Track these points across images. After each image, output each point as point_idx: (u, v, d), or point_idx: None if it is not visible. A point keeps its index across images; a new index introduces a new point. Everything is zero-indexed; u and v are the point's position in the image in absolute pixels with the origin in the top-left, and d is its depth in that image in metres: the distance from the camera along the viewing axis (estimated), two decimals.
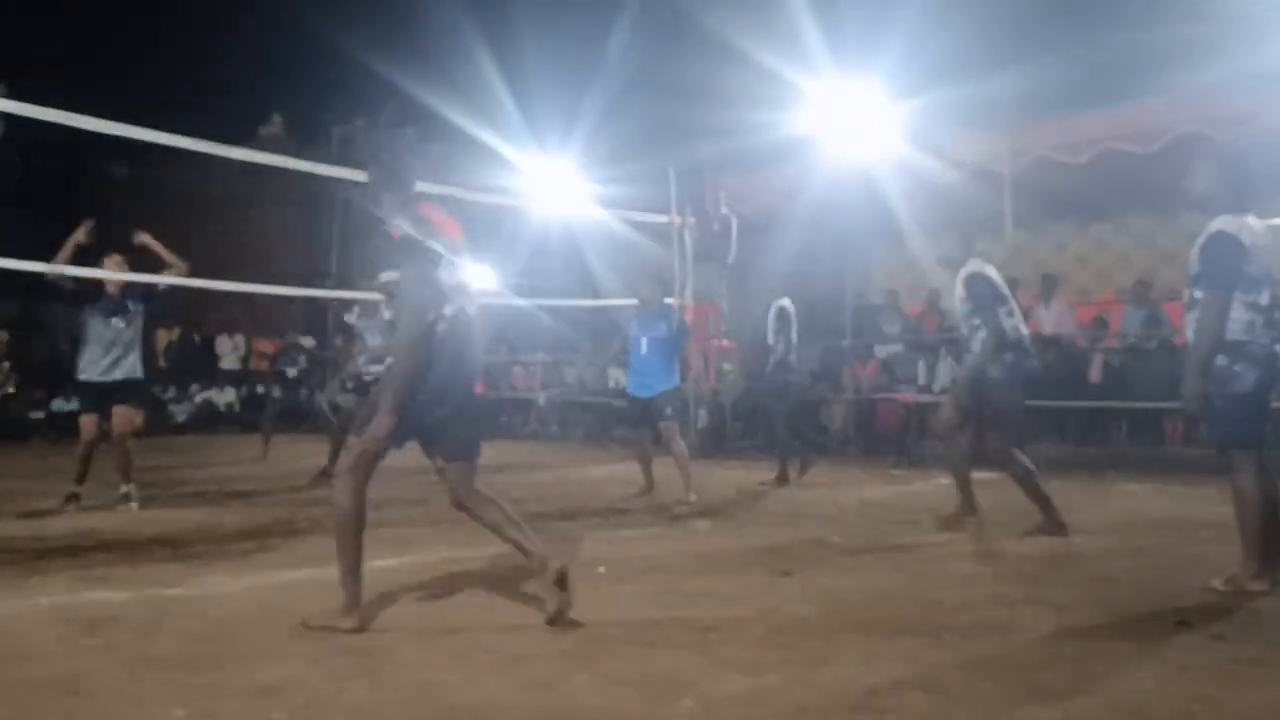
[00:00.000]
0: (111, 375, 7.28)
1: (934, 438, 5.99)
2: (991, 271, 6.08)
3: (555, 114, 12.60)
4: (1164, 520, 6.30)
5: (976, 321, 5.86)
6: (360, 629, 3.82)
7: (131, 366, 7.36)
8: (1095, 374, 10.30)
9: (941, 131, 10.52)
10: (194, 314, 18.04)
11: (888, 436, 11.21)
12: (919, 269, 12.58)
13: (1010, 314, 5.94)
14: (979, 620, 3.90)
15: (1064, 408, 10.17)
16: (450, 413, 3.94)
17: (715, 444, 11.40)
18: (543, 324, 14.12)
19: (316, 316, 16.58)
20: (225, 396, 17.02)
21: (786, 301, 8.76)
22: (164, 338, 17.80)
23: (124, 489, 7.28)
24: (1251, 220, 4.30)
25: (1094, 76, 9.83)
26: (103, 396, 7.29)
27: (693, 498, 7.27)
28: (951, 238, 6.35)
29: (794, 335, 8.80)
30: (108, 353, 7.26)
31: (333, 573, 3.97)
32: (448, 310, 3.87)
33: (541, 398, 14.32)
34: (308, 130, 20.03)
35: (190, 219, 20.06)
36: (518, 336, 15.82)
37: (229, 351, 16.90)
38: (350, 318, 9.82)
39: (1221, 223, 4.29)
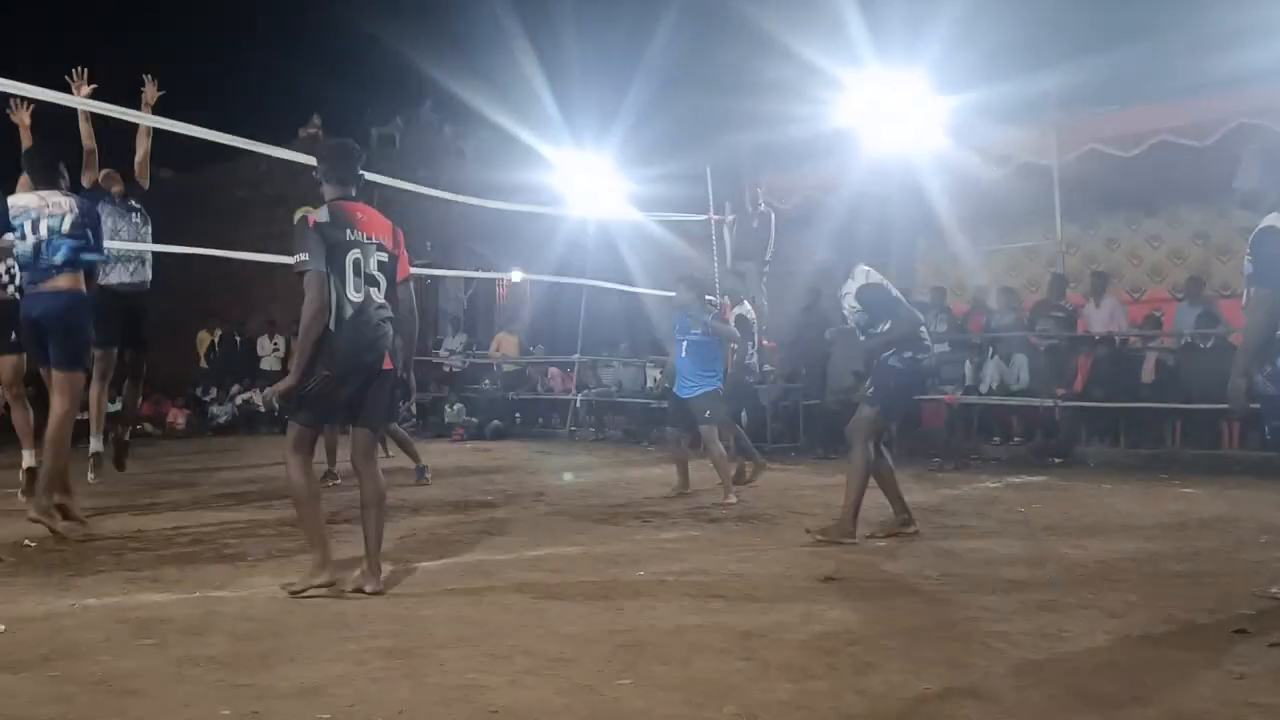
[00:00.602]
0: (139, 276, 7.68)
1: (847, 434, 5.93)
2: (879, 277, 6.13)
3: (592, 111, 12.59)
4: (1220, 524, 6.15)
5: (876, 330, 5.93)
6: (331, 583, 4.36)
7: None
8: (1148, 373, 10.10)
9: (987, 125, 10.36)
10: (235, 315, 18.28)
11: (931, 437, 11.07)
12: (963, 266, 12.46)
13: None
14: (1030, 627, 3.82)
15: (1116, 408, 9.99)
16: (358, 389, 4.41)
17: (756, 445, 11.30)
18: (579, 323, 14.09)
19: None
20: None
21: (748, 308, 8.83)
22: (205, 339, 18.01)
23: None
24: None
25: (1146, 67, 9.61)
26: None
27: (731, 500, 7.23)
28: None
29: (755, 340, 8.89)
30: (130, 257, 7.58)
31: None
32: (355, 297, 4.28)
33: (578, 398, 14.28)
34: (347, 131, 20.19)
35: (232, 221, 20.33)
36: (554, 337, 15.84)
37: (269, 352, 17.03)
38: None
39: (1273, 219, 4.18)
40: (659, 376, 12.08)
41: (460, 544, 5.81)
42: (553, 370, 15.44)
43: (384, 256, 4.46)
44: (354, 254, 4.34)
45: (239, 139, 7.01)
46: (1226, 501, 7.06)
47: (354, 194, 4.56)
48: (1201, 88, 9.49)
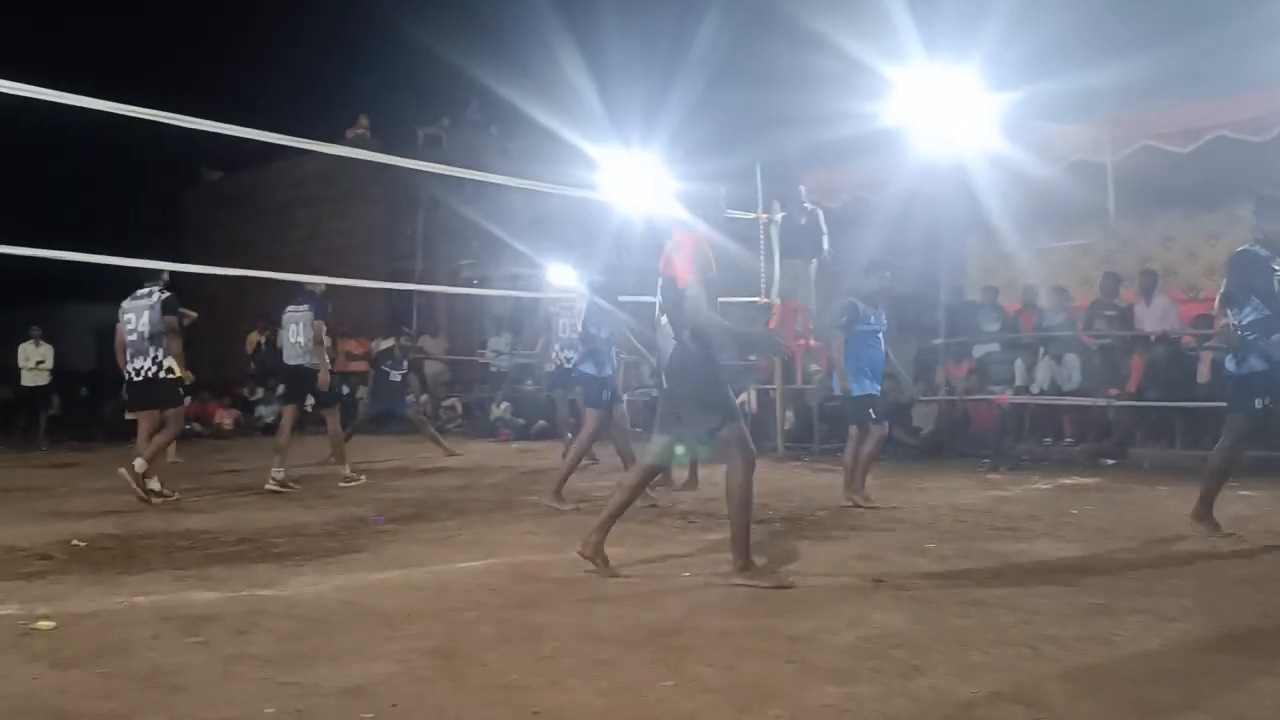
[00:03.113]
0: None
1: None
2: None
3: (637, 109, 12.56)
4: None
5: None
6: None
7: None
8: (1203, 374, 9.86)
9: (1039, 122, 10.18)
10: (279, 315, 18.52)
11: (981, 439, 10.91)
12: (1015, 265, 12.26)
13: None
14: (1081, 632, 3.74)
15: (1171, 409, 9.77)
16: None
17: (803, 446, 11.24)
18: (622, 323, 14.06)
19: (400, 314, 16.82)
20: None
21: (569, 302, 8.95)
22: (253, 339, 18.24)
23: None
24: None
25: (1202, 61, 9.39)
26: None
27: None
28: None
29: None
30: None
31: (417, 574, 3.93)
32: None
33: (625, 398, 14.25)
34: (394, 131, 20.37)
35: (276, 219, 20.62)
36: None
37: None
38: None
39: None
40: (815, 368, 11.89)
41: (504, 544, 5.82)
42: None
43: (661, 281, 4.76)
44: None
45: (284, 137, 7.03)
46: None
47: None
48: (1259, 81, 9.25)
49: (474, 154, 17.01)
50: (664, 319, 4.78)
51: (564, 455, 10.25)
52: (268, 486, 8.40)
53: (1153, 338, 10.25)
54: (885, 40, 10.04)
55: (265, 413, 16.79)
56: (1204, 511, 5.73)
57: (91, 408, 16.66)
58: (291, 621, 4.00)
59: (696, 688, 3.18)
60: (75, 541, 5.85)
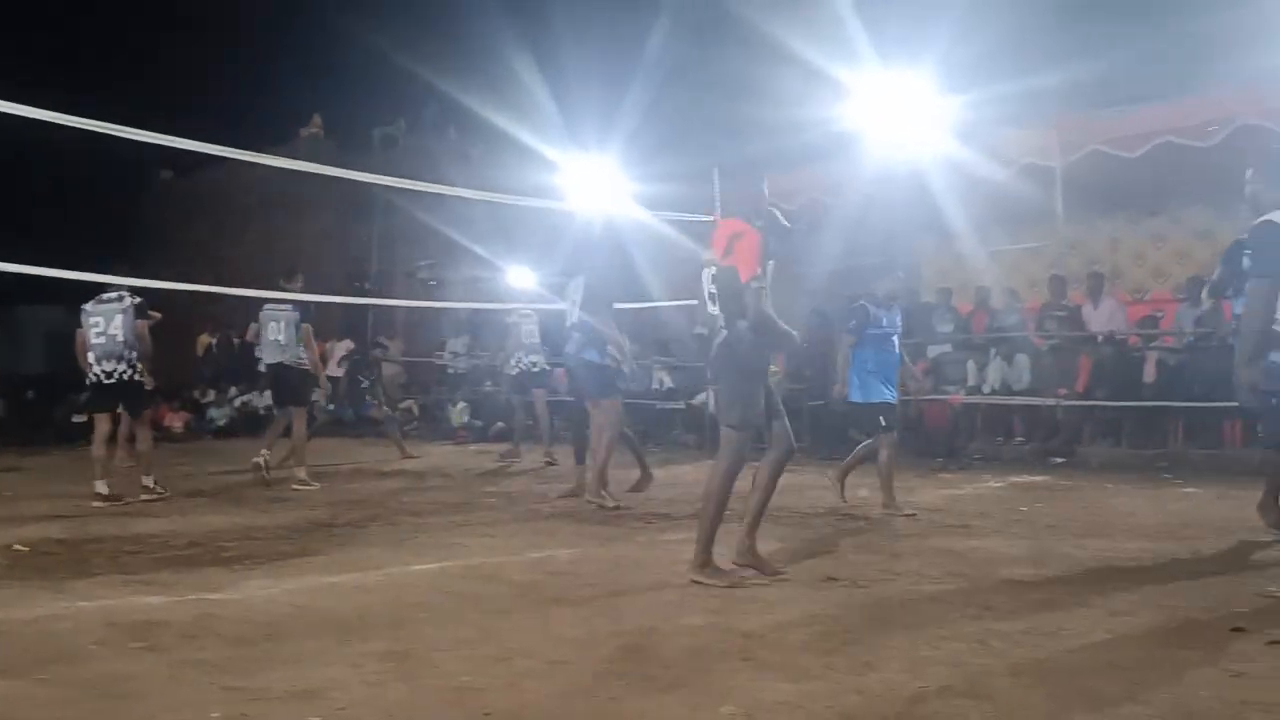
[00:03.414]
0: None
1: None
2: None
3: (595, 112, 12.57)
4: (1222, 524, 6.10)
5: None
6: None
7: None
8: (1150, 374, 10.05)
9: (991, 126, 10.32)
10: (235, 318, 18.29)
11: (934, 437, 11.03)
12: (969, 267, 12.43)
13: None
14: (1029, 626, 3.80)
15: (1118, 408, 9.95)
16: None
17: (759, 447, 11.27)
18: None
19: (355, 319, 16.65)
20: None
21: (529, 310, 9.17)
22: (203, 341, 17.98)
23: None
24: None
25: (1149, 67, 9.59)
26: None
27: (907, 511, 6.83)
28: None
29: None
30: None
31: (372, 577, 3.88)
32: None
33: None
34: (348, 131, 20.19)
35: (231, 221, 20.33)
36: (561, 339, 15.79)
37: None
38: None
39: (1274, 215, 4.19)
40: (774, 369, 11.92)
41: (461, 546, 5.79)
42: (559, 371, 15.36)
43: (713, 269, 4.67)
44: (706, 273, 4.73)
45: (229, 149, 6.96)
46: (1229, 502, 6.99)
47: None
48: (1203, 88, 9.46)
49: (432, 157, 16.92)
50: (714, 307, 4.72)
51: (546, 458, 10.31)
52: (294, 487, 8.61)
53: (1100, 338, 10.43)
54: (840, 46, 10.13)
55: (216, 415, 16.56)
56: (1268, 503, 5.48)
57: (42, 410, 16.34)
58: (242, 626, 3.95)
59: (651, 687, 3.19)
60: (17, 546, 5.74)
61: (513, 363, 11.30)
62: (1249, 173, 4.44)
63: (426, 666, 3.41)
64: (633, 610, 4.18)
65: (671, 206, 11.12)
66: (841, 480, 7.19)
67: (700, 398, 12.12)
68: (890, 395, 6.97)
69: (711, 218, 10.34)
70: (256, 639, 3.76)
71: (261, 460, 8.82)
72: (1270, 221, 4.21)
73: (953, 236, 11.75)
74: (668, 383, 13.45)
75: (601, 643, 3.69)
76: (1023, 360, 10.68)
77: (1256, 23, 8.76)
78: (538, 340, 11.35)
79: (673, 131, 12.20)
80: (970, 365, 11.00)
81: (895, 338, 7.03)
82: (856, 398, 6.93)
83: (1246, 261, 4.27)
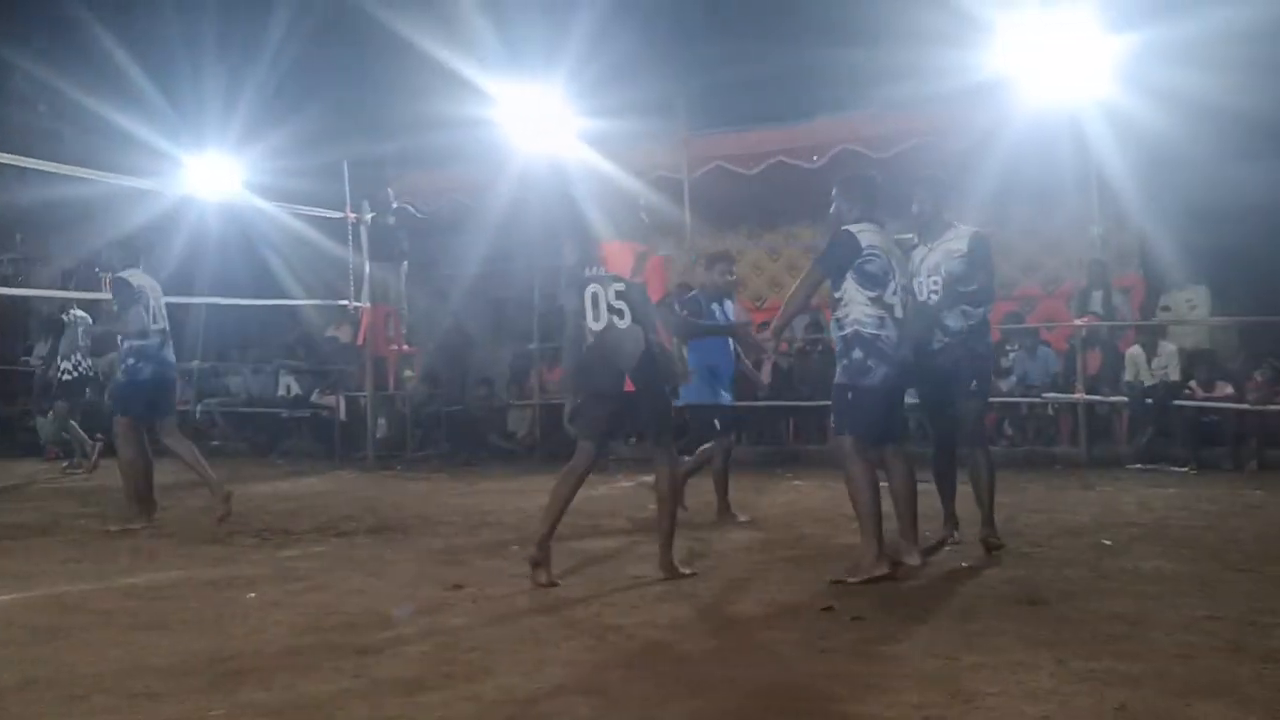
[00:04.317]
0: None
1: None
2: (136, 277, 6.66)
3: (216, 101, 11.72)
4: (823, 512, 6.68)
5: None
6: None
7: None
8: (765, 376, 10.84)
9: (623, 138, 10.73)
10: None
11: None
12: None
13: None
14: (645, 618, 3.92)
15: (739, 408, 10.64)
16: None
17: (395, 454, 11.00)
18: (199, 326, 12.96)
19: None
20: None
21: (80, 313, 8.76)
22: None
23: None
24: (871, 227, 4.69)
25: (767, 93, 10.42)
26: None
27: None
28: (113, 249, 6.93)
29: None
30: None
31: None
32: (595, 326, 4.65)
33: (197, 409, 13.11)
34: None
35: None
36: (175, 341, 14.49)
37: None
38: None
39: (852, 226, 4.70)
40: (409, 373, 11.29)
41: (43, 575, 5.11)
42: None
43: (619, 285, 4.61)
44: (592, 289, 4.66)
45: None
46: (829, 492, 7.68)
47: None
48: (813, 114, 10.43)
49: (18, 134, 14.91)
50: (625, 321, 4.60)
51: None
52: None
53: None
54: (478, 45, 10.13)
55: None
56: None
57: None
58: None
59: (252, 712, 2.95)
60: None
61: (69, 366, 10.19)
62: (834, 190, 4.90)
63: None
64: (238, 634, 3.86)
65: (307, 202, 10.60)
66: (723, 497, 6.65)
67: (329, 402, 11.62)
68: (724, 397, 6.71)
69: (342, 214, 9.97)
70: None
71: None
72: (848, 231, 4.65)
73: (592, 243, 12.09)
74: (295, 389, 12.72)
75: (199, 670, 3.37)
76: None
77: (859, 61, 9.79)
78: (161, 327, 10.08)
79: (305, 125, 11.59)
80: None
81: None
82: (691, 399, 6.36)
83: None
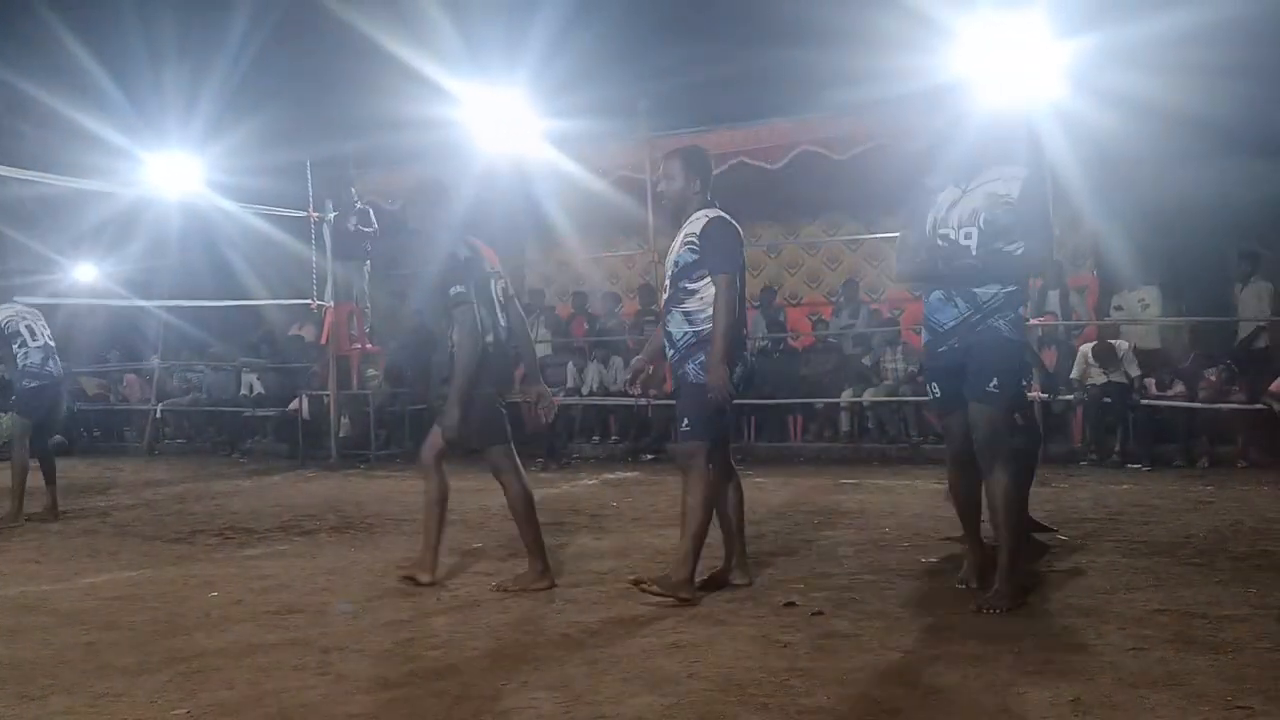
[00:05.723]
0: None
1: None
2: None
3: (176, 99, 11.59)
4: (783, 509, 6.75)
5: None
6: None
7: None
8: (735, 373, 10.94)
9: (588, 138, 10.78)
10: None
11: (534, 439, 11.27)
12: (569, 272, 12.90)
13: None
14: (609, 615, 3.98)
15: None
16: None
17: (359, 453, 10.95)
18: (159, 325, 12.81)
19: None
20: None
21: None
22: None
23: None
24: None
25: (722, 95, 10.48)
26: None
27: None
28: None
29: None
30: None
31: None
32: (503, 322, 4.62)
33: (158, 408, 12.97)
34: None
35: None
36: (132, 340, 14.30)
37: None
38: None
39: (720, 211, 4.44)
40: (372, 372, 11.12)
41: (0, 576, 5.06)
42: (129, 377, 13.91)
43: (504, 283, 4.67)
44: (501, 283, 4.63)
45: None
46: (790, 489, 7.79)
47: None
48: (774, 116, 10.51)
49: None
50: (504, 320, 4.63)
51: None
52: None
53: None
54: (443, 45, 10.11)
55: None
56: None
57: None
58: None
59: (215, 711, 2.96)
60: None
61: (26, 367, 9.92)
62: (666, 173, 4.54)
63: None
64: (200, 633, 3.86)
65: (271, 201, 10.53)
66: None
67: (292, 405, 11.54)
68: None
69: (305, 214, 9.89)
70: None
71: None
72: (722, 218, 4.38)
73: (556, 241, 12.20)
74: (258, 388, 12.62)
75: (160, 670, 3.38)
76: (618, 362, 11.21)
77: (817, 62, 9.86)
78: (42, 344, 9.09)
79: (268, 123, 11.50)
80: (570, 367, 11.37)
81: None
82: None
83: (690, 257, 4.40)
